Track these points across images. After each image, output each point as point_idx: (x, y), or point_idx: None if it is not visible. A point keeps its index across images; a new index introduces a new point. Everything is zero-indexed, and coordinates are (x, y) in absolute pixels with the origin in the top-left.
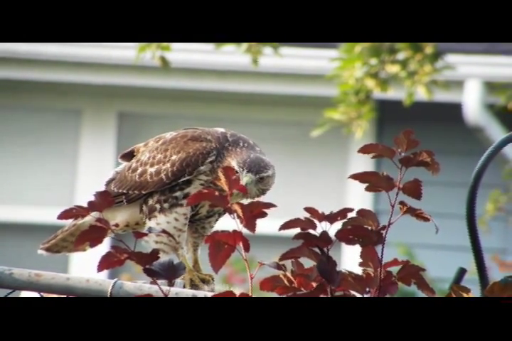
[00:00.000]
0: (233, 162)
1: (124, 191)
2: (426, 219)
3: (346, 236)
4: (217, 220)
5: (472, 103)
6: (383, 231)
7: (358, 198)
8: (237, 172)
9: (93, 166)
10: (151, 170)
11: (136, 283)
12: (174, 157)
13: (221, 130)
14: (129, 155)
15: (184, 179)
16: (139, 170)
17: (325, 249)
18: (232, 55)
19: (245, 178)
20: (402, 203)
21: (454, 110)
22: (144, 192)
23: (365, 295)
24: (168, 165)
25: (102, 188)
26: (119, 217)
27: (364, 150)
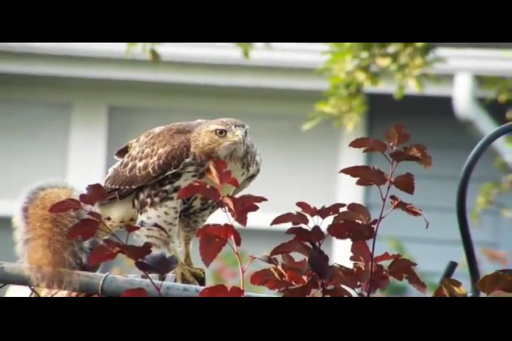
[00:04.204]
0: (211, 126)
1: (117, 186)
2: (416, 214)
3: (338, 230)
4: (210, 213)
5: (462, 96)
6: (374, 226)
7: (349, 192)
8: (221, 132)
9: (83, 160)
10: (140, 164)
11: (127, 277)
12: (161, 150)
13: (199, 120)
14: (123, 152)
15: (171, 172)
16: (129, 165)
17: (317, 244)
18: (223, 48)
19: (238, 131)
20: (393, 197)
21: (445, 103)
22: (133, 187)
23: (356, 290)
24: (155, 158)
25: (94, 182)
26: (114, 213)
27: (356, 144)
